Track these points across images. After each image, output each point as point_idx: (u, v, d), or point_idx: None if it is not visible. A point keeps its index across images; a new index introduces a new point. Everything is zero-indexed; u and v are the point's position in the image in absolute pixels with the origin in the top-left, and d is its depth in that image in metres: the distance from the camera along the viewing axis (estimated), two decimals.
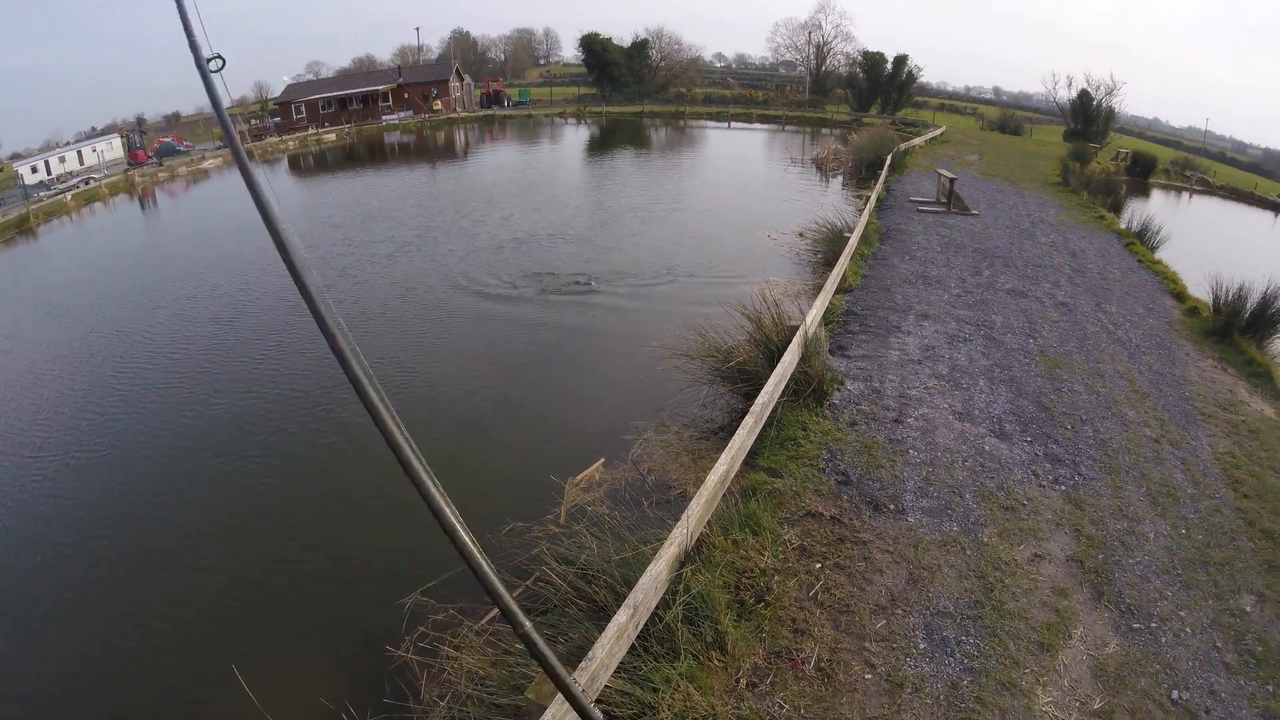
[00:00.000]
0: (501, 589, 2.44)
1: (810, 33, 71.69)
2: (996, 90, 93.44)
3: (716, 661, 4.23)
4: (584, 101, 64.73)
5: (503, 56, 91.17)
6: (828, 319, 10.10)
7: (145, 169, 36.35)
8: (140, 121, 60.76)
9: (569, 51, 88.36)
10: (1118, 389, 8.30)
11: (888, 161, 24.50)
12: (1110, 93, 57.77)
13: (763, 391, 6.59)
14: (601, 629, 3.78)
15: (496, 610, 5.14)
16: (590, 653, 3.54)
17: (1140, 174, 39.70)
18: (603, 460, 7.40)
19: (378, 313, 12.72)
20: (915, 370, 8.55)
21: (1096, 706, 4.06)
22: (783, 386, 7.17)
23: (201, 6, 2.39)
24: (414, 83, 58.01)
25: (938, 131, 44.94)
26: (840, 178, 28.27)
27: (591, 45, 68.17)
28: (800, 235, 16.64)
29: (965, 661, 4.31)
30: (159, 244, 22.10)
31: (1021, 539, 5.51)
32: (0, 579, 6.41)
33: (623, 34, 74.82)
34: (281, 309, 12.92)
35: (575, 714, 2.94)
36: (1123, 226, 18.70)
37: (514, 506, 6.52)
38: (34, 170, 36.85)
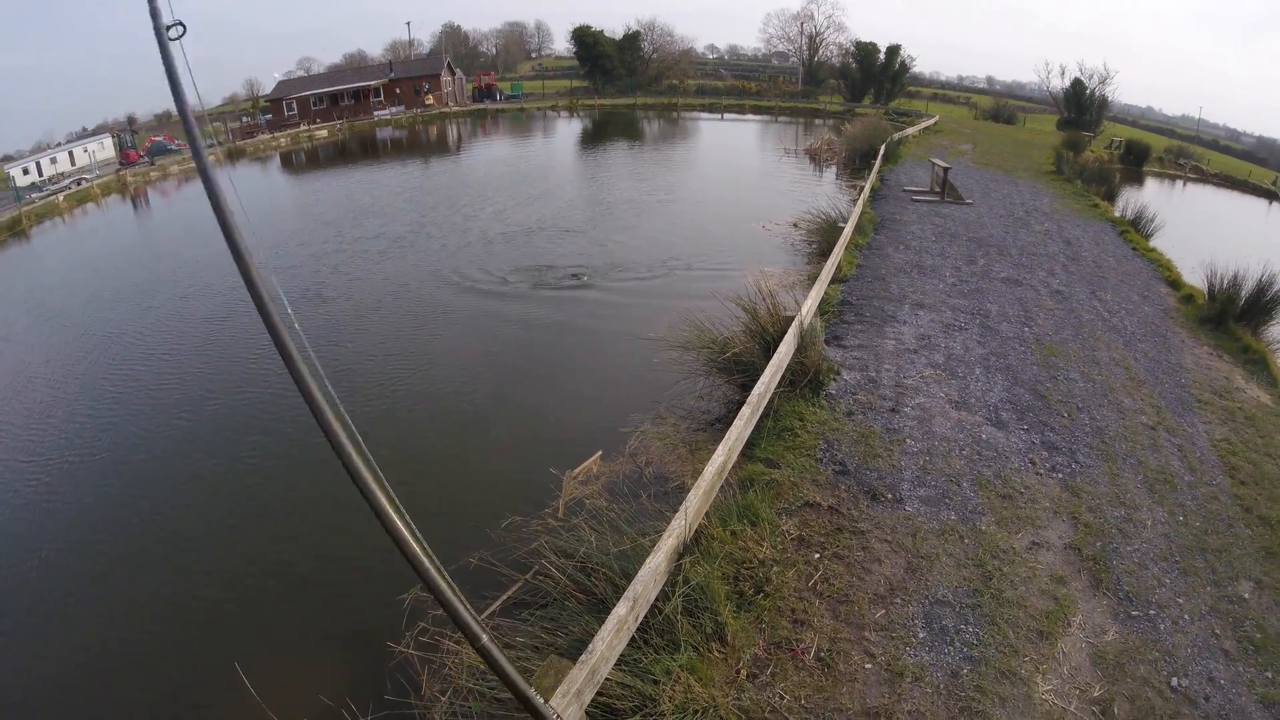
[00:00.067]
0: (453, 597, 2.37)
1: (803, 23, 71.71)
2: (990, 79, 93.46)
3: (716, 653, 4.23)
4: (576, 94, 64.57)
5: (494, 50, 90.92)
6: (823, 309, 10.10)
7: (137, 168, 36.12)
8: (131, 121, 60.25)
9: (561, 44, 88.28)
10: (1114, 377, 8.32)
11: (881, 151, 24.45)
12: (1103, 81, 57.78)
13: (759, 382, 6.57)
14: (601, 622, 3.77)
15: (495, 605, 5.16)
16: (590, 646, 3.54)
17: (1134, 162, 39.73)
18: (600, 453, 7.39)
19: (371, 309, 12.66)
20: (911, 359, 8.55)
21: (1096, 694, 4.07)
22: (779, 377, 7.16)
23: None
24: (405, 78, 57.71)
25: (931, 121, 44.91)
26: (834, 168, 28.23)
27: (583, 38, 67.93)
28: (795, 226, 16.62)
29: (964, 650, 4.32)
30: (151, 244, 21.97)
31: (1019, 527, 5.52)
32: None
33: (614, 26, 74.95)
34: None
35: None
36: (1117, 214, 18.70)
37: (512, 501, 6.51)
38: (25, 172, 36.53)
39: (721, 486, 5.53)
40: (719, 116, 55.48)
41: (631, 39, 68.99)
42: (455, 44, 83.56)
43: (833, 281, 11.23)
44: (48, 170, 38.07)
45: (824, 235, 14.11)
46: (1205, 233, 22.53)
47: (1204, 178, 43.62)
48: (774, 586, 4.82)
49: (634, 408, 8.31)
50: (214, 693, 4.96)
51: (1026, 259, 13.28)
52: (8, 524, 7.21)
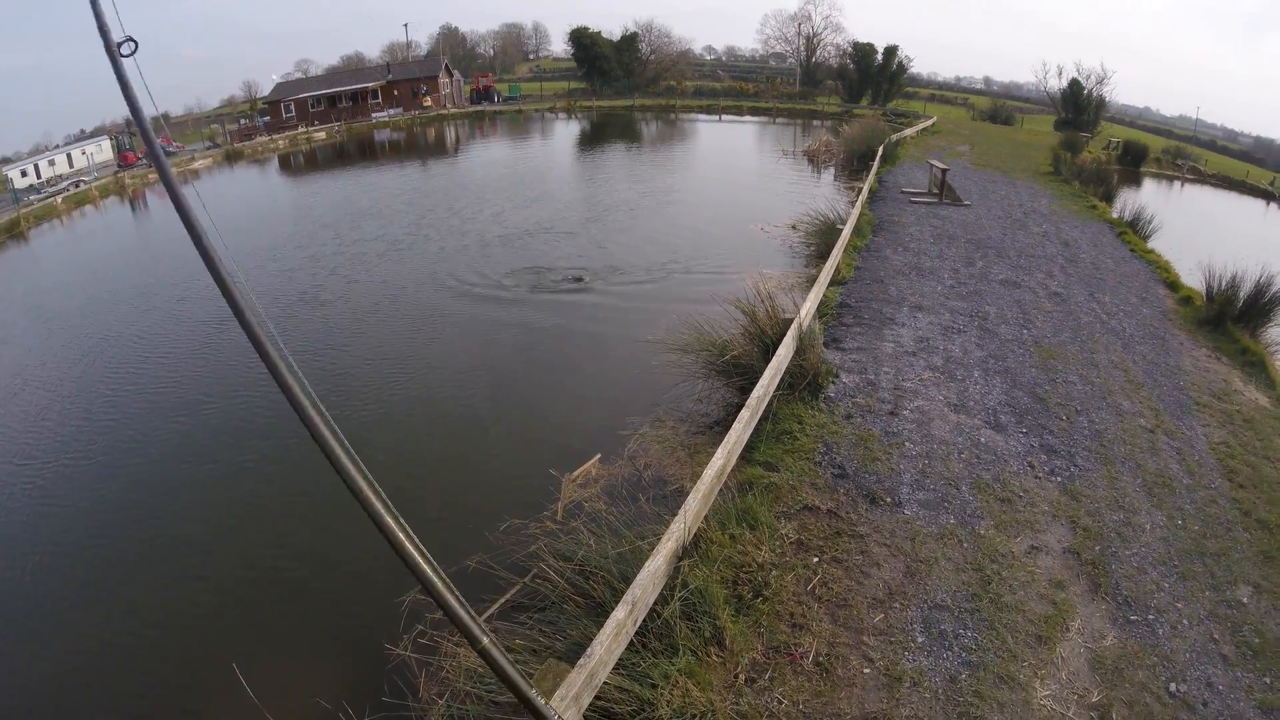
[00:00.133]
0: (453, 600, 2.36)
1: (800, 24, 71.83)
2: (987, 80, 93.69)
3: (715, 657, 4.22)
4: (574, 96, 64.56)
5: (492, 51, 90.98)
6: (822, 311, 10.10)
7: (135, 171, 36.11)
8: (129, 123, 60.15)
9: (558, 46, 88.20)
10: (1112, 379, 8.32)
11: (879, 153, 24.49)
12: (1101, 82, 57.76)
13: (758, 385, 6.57)
14: (600, 625, 3.76)
15: (494, 608, 5.16)
16: (589, 650, 3.53)
17: (1132, 163, 39.81)
18: (599, 456, 7.38)
19: (369, 312, 12.65)
20: (910, 362, 8.55)
21: (1094, 699, 4.06)
22: (778, 380, 7.15)
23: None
24: (403, 79, 57.66)
25: (929, 122, 44.97)
26: (832, 169, 28.25)
27: (581, 39, 67.97)
28: (793, 228, 16.63)
29: (963, 655, 4.32)
30: (149, 246, 21.95)
31: (1018, 531, 5.52)
32: None
33: (612, 27, 75.19)
34: (274, 309, 12.84)
35: None
36: (1115, 216, 18.73)
37: (511, 503, 6.51)
38: (24, 174, 36.47)
39: (720, 490, 5.53)
40: (717, 118, 55.54)
41: (629, 40, 69.03)
42: (453, 45, 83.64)
43: (831, 284, 11.23)
44: (46, 172, 38.01)
45: (822, 237, 14.12)
46: (1203, 234, 22.54)
47: (1202, 178, 43.70)
48: (773, 590, 4.81)
49: (633, 410, 8.30)
50: (212, 695, 4.95)
51: (1025, 261, 13.29)
52: (3, 527, 7.19)
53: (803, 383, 7.64)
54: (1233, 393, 8.17)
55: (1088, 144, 41.73)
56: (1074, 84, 58.06)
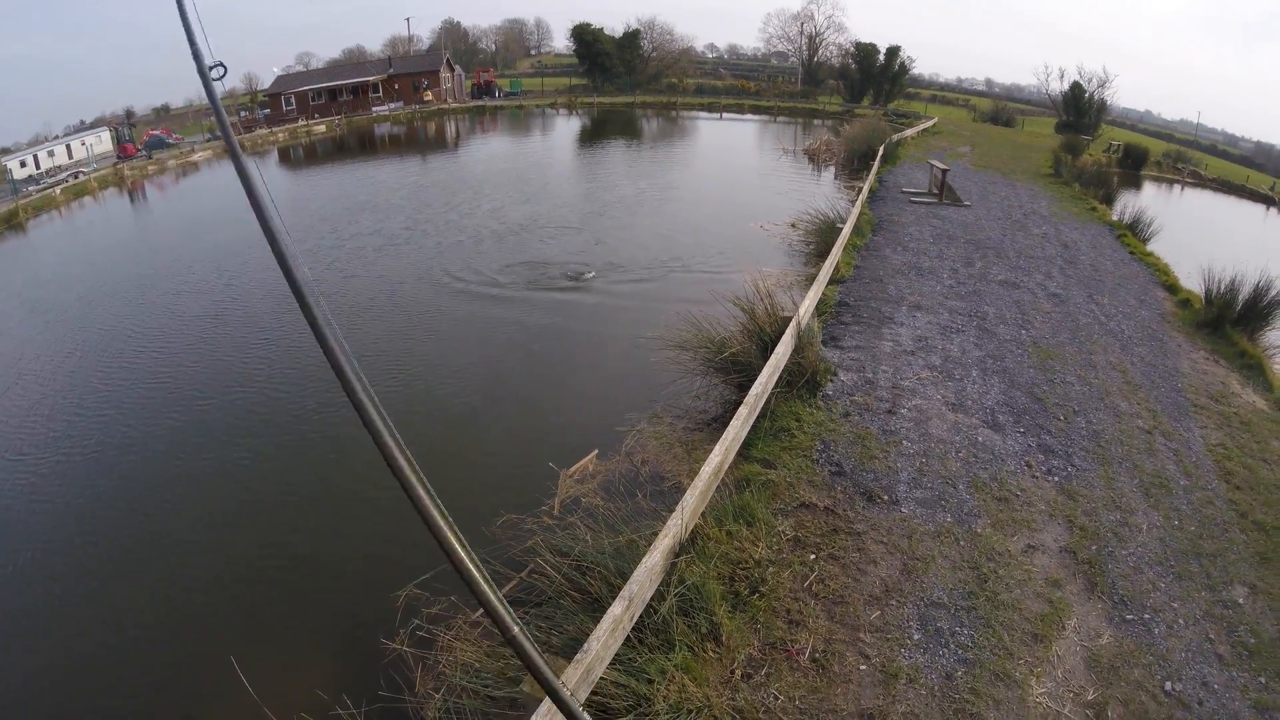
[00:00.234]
0: (489, 592, 2.37)
1: (803, 23, 71.74)
2: (988, 82, 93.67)
3: (711, 653, 4.22)
4: (575, 92, 64.51)
5: (493, 47, 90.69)
6: (821, 310, 10.09)
7: (134, 162, 35.94)
8: (129, 114, 59.99)
9: (560, 42, 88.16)
10: (1110, 380, 8.33)
11: (880, 153, 24.49)
12: (1102, 85, 57.74)
13: (756, 382, 6.57)
14: (596, 621, 3.76)
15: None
16: (585, 645, 3.53)
17: (1132, 166, 39.84)
18: (596, 452, 7.38)
19: (366, 307, 12.62)
20: (908, 361, 8.55)
21: (1090, 698, 4.07)
22: (776, 377, 7.15)
23: None
24: (404, 73, 57.54)
25: (930, 123, 44.95)
26: (832, 169, 28.24)
27: (583, 35, 67.88)
28: (793, 226, 16.62)
29: (959, 652, 4.32)
30: (148, 238, 21.87)
31: (1015, 530, 5.52)
32: None
33: (614, 24, 74.91)
34: (269, 303, 12.83)
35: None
36: (1114, 218, 18.76)
37: (508, 498, 6.50)
38: (22, 165, 36.33)
39: (718, 486, 5.53)
40: (718, 116, 55.49)
41: (631, 37, 68.95)
42: (454, 40, 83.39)
43: (830, 282, 11.22)
44: (45, 163, 37.87)
45: (822, 236, 14.11)
46: (1203, 237, 22.58)
47: (1202, 182, 43.77)
48: (769, 587, 4.81)
49: (631, 406, 8.29)
50: (209, 689, 4.95)
51: (1024, 262, 13.30)
52: None
53: (801, 380, 7.64)
54: (1230, 395, 8.17)
55: (1088, 147, 41.74)
56: (1075, 87, 58.05)
